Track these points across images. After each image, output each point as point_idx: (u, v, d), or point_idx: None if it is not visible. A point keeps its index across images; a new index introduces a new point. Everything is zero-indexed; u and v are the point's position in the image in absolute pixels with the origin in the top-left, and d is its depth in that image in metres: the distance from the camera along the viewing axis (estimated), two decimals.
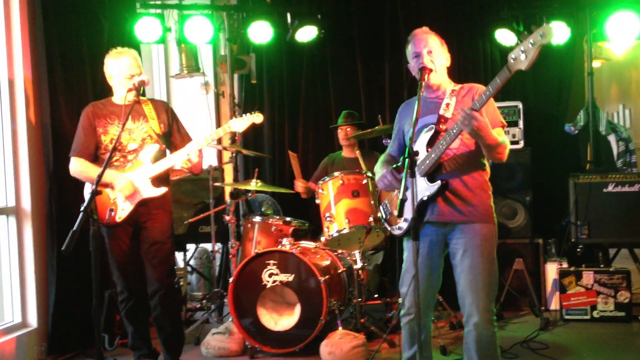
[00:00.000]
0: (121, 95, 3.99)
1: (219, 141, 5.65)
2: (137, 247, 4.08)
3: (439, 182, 3.20)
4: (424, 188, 3.22)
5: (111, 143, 3.96)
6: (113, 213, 3.93)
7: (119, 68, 3.99)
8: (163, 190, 4.00)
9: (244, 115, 4.19)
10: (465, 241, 3.22)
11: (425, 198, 3.22)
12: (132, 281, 4.08)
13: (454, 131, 3.10)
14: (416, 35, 3.36)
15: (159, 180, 4.01)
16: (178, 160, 3.99)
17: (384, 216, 3.57)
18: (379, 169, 3.49)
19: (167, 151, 4.16)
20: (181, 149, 4.01)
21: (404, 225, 3.36)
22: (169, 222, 4.12)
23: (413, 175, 2.94)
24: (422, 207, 3.24)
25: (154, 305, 4.08)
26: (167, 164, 4.00)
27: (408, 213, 3.20)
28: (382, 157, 3.61)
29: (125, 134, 3.98)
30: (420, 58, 3.28)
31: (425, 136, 3.26)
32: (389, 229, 3.51)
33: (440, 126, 3.23)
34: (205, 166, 4.81)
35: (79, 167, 4.00)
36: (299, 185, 5.73)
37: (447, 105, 3.27)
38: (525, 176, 5.65)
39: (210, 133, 4.04)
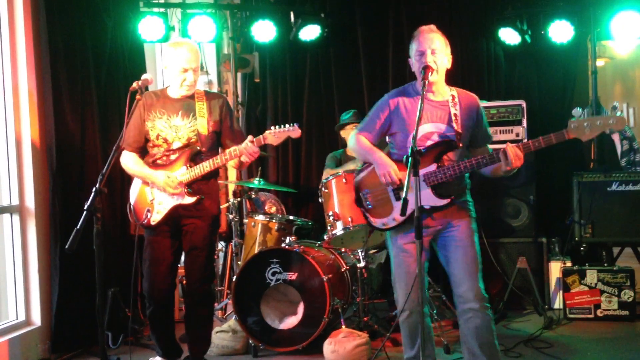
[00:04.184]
0: (175, 88, 3.91)
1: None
2: (174, 250, 4.02)
3: (448, 200, 3.29)
4: (430, 198, 3.27)
5: (157, 138, 3.91)
6: (150, 215, 3.90)
7: (174, 59, 3.84)
8: (194, 198, 3.86)
9: (280, 125, 3.87)
10: (456, 235, 3.34)
11: (427, 207, 3.25)
12: (154, 287, 3.98)
13: (485, 161, 3.24)
14: (422, 32, 3.36)
15: (192, 187, 3.90)
16: (212, 169, 3.85)
17: (364, 206, 3.51)
18: (375, 154, 3.38)
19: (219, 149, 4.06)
20: (219, 156, 3.85)
21: (391, 222, 3.38)
22: (210, 226, 4.00)
23: (416, 174, 2.96)
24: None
25: (186, 307, 4.12)
26: (202, 170, 3.85)
27: (400, 213, 3.24)
28: (361, 138, 3.46)
29: (172, 131, 3.90)
30: (424, 57, 3.29)
31: (437, 144, 3.30)
32: (370, 220, 3.48)
33: (459, 144, 3.32)
34: None
35: (124, 160, 3.97)
36: None
37: (456, 116, 3.31)
38: (528, 175, 5.63)
39: (242, 145, 3.82)
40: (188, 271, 4.03)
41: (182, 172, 3.87)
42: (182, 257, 4.15)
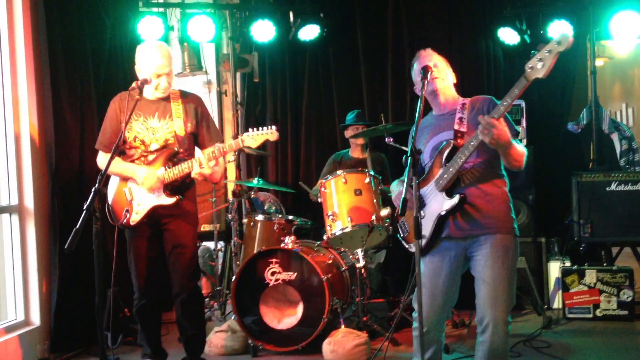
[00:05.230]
0: (150, 90, 3.89)
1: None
2: (157, 249, 4.04)
3: (457, 197, 3.15)
4: (443, 202, 3.19)
5: (135, 140, 3.91)
6: (128, 215, 3.89)
7: (146, 63, 3.84)
8: (174, 199, 3.88)
9: (258, 129, 3.87)
10: (486, 252, 3.16)
11: (443, 213, 3.18)
12: (145, 283, 4.00)
13: (472, 143, 3.07)
14: (421, 54, 3.39)
15: (171, 188, 3.90)
16: (191, 170, 3.84)
17: (401, 234, 3.50)
18: (395, 187, 3.46)
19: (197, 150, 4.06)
20: (193, 159, 3.85)
21: (423, 242, 3.32)
22: (191, 224, 4.03)
23: (416, 174, 2.94)
24: (441, 222, 3.21)
25: (176, 308, 4.10)
26: (180, 171, 3.85)
27: (426, 231, 3.20)
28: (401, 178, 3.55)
29: (149, 132, 3.90)
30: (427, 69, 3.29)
31: (442, 153, 3.24)
32: (407, 246, 3.46)
33: (458, 141, 3.19)
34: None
35: (103, 161, 3.96)
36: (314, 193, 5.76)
37: (461, 119, 3.24)
38: (528, 175, 5.63)
39: (221, 146, 3.87)
40: (173, 269, 4.02)
41: (161, 173, 3.87)
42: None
